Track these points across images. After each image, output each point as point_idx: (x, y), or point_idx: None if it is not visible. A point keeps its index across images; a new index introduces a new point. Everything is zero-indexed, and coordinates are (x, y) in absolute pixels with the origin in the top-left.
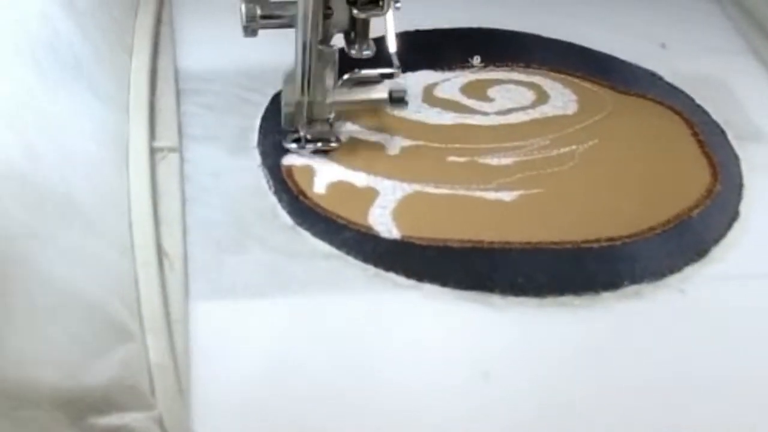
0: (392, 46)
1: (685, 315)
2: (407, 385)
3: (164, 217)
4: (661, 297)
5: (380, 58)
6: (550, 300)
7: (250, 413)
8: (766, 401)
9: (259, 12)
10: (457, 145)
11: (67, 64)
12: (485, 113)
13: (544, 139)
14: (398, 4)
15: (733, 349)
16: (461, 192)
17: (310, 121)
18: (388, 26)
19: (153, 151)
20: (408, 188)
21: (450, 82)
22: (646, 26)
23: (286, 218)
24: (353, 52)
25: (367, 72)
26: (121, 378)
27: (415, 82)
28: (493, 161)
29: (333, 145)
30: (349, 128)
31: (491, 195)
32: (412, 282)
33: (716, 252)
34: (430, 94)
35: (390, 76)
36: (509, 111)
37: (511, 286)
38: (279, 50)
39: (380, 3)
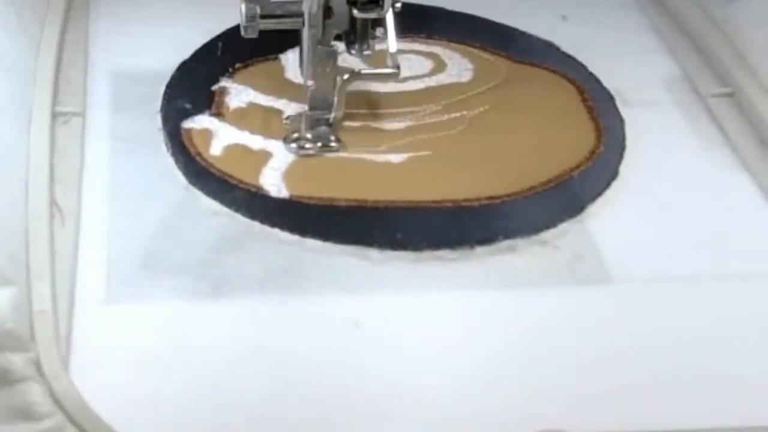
0: (392, 46)
1: (558, 267)
2: (282, 329)
3: (62, 177)
4: (535, 251)
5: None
6: (426, 254)
7: (130, 368)
8: (630, 347)
9: (259, 11)
10: (353, 111)
11: None
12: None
13: (436, 105)
14: (398, 4)
15: (606, 295)
16: (353, 155)
17: (312, 124)
18: (388, 26)
19: (56, 116)
20: (301, 151)
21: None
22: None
23: (181, 179)
24: (353, 52)
25: (367, 72)
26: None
27: None
28: (386, 126)
29: (333, 145)
30: (251, 94)
31: (381, 157)
32: (295, 237)
33: (592, 209)
34: None
35: (389, 75)
36: (406, 79)
37: (389, 242)
38: (190, 22)
39: (380, 3)
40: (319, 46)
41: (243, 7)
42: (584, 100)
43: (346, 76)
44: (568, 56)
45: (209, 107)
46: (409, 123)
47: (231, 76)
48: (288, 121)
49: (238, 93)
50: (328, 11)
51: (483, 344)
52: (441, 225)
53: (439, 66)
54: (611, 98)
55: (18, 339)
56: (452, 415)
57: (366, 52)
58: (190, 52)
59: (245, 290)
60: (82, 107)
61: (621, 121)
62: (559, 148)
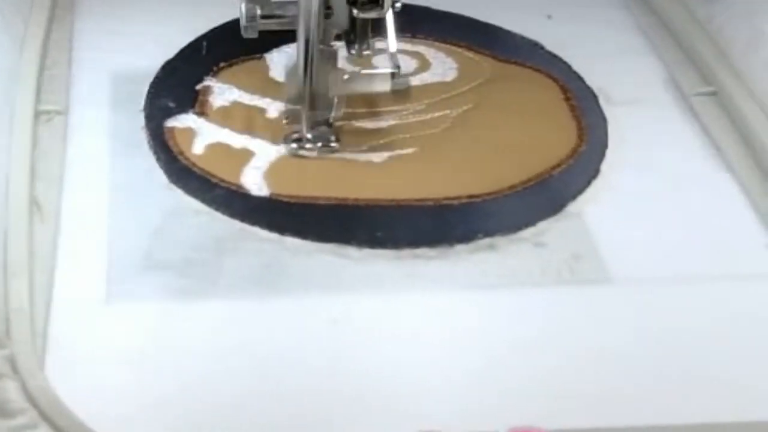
0: (392, 46)
1: (537, 265)
2: (264, 327)
3: (43, 175)
4: (515, 249)
5: None
6: (406, 252)
7: (111, 366)
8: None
9: (259, 12)
10: None
11: None
12: None
13: (420, 104)
14: (398, 4)
15: (583, 290)
16: (334, 154)
17: (312, 124)
18: (388, 26)
19: (38, 114)
20: (283, 150)
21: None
22: None
23: (162, 177)
24: (353, 52)
25: (367, 71)
26: None
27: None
28: (369, 125)
29: (333, 145)
30: (235, 92)
31: (362, 156)
32: (274, 235)
33: (572, 207)
34: None
35: (389, 75)
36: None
37: (369, 240)
38: (175, 21)
39: (380, 3)
40: (320, 46)
41: (243, 7)
42: (567, 99)
43: (346, 77)
44: (553, 55)
45: (193, 106)
46: (392, 122)
47: (215, 75)
48: (287, 121)
49: (222, 92)
50: (327, 11)
51: (468, 343)
52: (422, 223)
53: (424, 65)
54: (594, 97)
55: None
56: (436, 414)
57: (366, 52)
58: (175, 51)
59: (226, 289)
60: (65, 105)
61: (603, 119)
62: (542, 147)
